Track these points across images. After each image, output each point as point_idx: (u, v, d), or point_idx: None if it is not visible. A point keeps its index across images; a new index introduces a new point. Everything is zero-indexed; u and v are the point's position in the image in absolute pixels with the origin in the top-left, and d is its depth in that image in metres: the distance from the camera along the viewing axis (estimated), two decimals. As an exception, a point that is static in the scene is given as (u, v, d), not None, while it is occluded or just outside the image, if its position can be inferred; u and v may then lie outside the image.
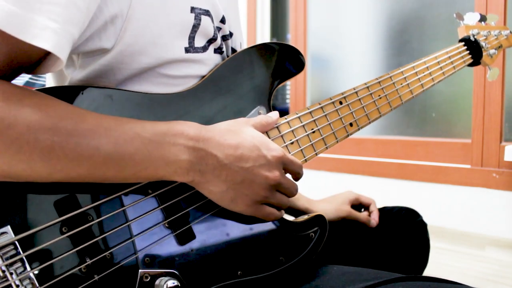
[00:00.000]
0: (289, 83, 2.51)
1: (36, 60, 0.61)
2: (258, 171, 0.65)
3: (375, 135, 2.16)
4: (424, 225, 1.12)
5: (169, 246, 0.65)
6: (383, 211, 1.12)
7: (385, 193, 1.98)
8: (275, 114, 0.75)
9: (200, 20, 0.72)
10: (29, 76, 1.33)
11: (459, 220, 1.75)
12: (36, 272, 0.57)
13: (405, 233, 1.08)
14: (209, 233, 0.68)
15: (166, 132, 0.60)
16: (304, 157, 0.76)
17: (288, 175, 0.72)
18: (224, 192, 0.64)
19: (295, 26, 2.42)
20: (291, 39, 2.44)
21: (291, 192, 0.70)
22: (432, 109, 1.96)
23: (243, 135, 0.66)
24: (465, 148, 1.81)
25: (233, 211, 0.67)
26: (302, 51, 2.35)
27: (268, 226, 0.72)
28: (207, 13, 0.73)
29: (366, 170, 2.05)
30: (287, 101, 2.55)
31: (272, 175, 0.66)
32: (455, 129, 1.93)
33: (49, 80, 0.79)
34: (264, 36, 2.58)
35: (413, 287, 0.64)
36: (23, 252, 0.56)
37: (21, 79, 1.28)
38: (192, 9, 0.71)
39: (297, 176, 0.73)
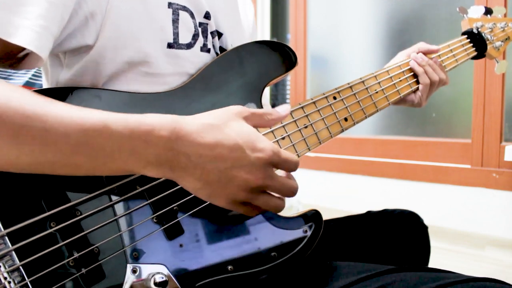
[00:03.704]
0: (289, 83, 2.51)
1: (15, 55, 0.63)
2: (236, 173, 0.59)
3: (375, 135, 2.15)
4: (424, 228, 1.11)
5: (158, 241, 0.65)
6: (384, 213, 1.11)
7: (385, 193, 1.97)
8: (284, 110, 0.67)
9: (178, 15, 0.73)
10: (29, 76, 1.33)
11: (459, 220, 1.74)
12: (24, 265, 0.57)
13: (405, 236, 1.07)
14: (198, 228, 0.68)
15: (138, 126, 0.57)
16: (296, 152, 0.76)
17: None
18: (200, 189, 0.60)
19: (295, 26, 2.42)
20: (291, 39, 2.44)
21: (284, 193, 0.64)
22: (432, 109, 1.96)
23: (226, 130, 0.60)
24: (465, 148, 1.80)
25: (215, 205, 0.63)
26: (302, 51, 2.37)
27: (261, 221, 0.71)
28: (184, 8, 0.74)
29: (366, 170, 2.05)
30: (287, 101, 2.55)
31: (253, 177, 0.59)
32: (455, 129, 1.92)
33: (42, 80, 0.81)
34: (264, 36, 2.59)
35: (403, 277, 0.64)
36: (12, 245, 0.56)
37: (21, 79, 1.29)
38: (170, 5, 0.72)
39: (291, 172, 0.67)
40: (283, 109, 0.67)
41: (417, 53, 1.01)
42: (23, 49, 0.61)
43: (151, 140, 0.56)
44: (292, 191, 0.63)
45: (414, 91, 1.00)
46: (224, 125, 0.60)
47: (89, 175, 0.59)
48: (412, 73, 0.98)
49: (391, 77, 0.93)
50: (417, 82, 0.99)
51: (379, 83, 0.89)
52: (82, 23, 0.66)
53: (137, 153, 0.57)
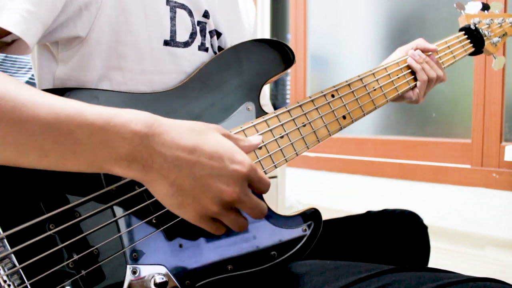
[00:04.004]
0: (289, 83, 2.51)
1: (1, 39, 0.62)
2: (212, 182, 0.56)
3: (375, 135, 2.15)
4: (424, 228, 1.11)
5: (157, 242, 0.64)
6: (384, 213, 1.11)
7: (385, 193, 1.97)
8: (256, 139, 0.67)
9: (175, 13, 0.72)
10: (29, 76, 1.33)
11: (459, 220, 1.74)
12: (24, 267, 0.56)
13: (405, 235, 1.07)
14: (197, 228, 0.67)
15: (113, 117, 0.54)
16: (295, 150, 0.75)
17: None
18: (171, 196, 0.56)
19: (295, 26, 2.42)
20: (291, 39, 2.44)
21: (255, 213, 0.61)
22: (432, 109, 1.96)
23: (206, 137, 0.58)
24: (465, 148, 1.80)
25: (182, 217, 0.60)
26: (302, 51, 2.37)
27: (260, 220, 0.71)
28: (182, 6, 0.73)
29: (366, 170, 2.05)
30: (287, 101, 2.55)
31: (229, 190, 0.57)
32: (455, 129, 1.92)
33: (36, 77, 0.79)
34: (264, 36, 2.59)
35: (403, 277, 0.63)
36: (12, 248, 0.56)
37: (21, 79, 1.29)
38: (168, 2, 0.72)
39: (262, 193, 0.65)
40: (254, 138, 0.66)
41: (415, 50, 1.01)
42: (10, 33, 0.59)
43: (125, 133, 0.53)
44: (262, 213, 0.61)
45: (412, 88, 1.00)
46: (204, 132, 0.59)
47: (55, 169, 0.56)
48: (409, 70, 0.98)
49: (389, 74, 0.93)
50: (415, 79, 0.99)
51: (377, 80, 0.89)
52: (75, 13, 0.65)
53: (108, 145, 0.53)
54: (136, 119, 0.54)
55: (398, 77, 0.94)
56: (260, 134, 0.72)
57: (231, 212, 0.59)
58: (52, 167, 0.55)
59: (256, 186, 0.61)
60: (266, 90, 1.03)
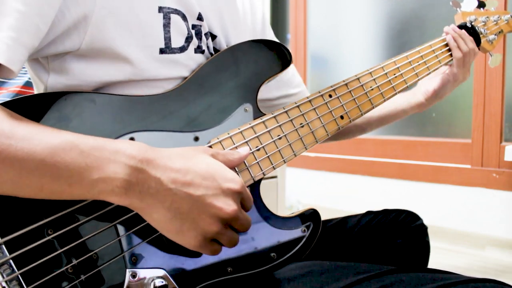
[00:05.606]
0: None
1: None
2: (210, 202, 0.57)
3: (375, 135, 2.15)
4: (424, 228, 1.11)
5: (157, 245, 0.64)
6: (384, 213, 1.11)
7: (385, 193, 1.97)
8: (244, 150, 0.69)
9: (169, 19, 0.71)
10: (29, 76, 1.33)
11: (459, 220, 1.74)
12: (23, 273, 0.56)
13: (405, 236, 1.07)
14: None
15: (105, 146, 0.56)
16: (293, 151, 0.75)
17: None
18: (169, 222, 0.57)
19: (295, 26, 2.42)
20: (291, 39, 2.44)
21: (245, 228, 0.62)
22: (432, 109, 1.96)
23: (195, 160, 0.60)
24: (465, 148, 1.80)
25: (181, 244, 0.60)
26: (302, 51, 2.37)
27: (259, 221, 0.71)
28: (176, 11, 0.72)
29: (366, 170, 2.05)
30: (287, 101, 2.55)
31: (228, 207, 0.58)
32: (455, 129, 1.92)
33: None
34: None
35: (403, 278, 0.64)
36: (10, 254, 0.56)
37: (21, 79, 1.28)
38: (160, 9, 0.70)
39: (247, 210, 0.66)
40: (243, 150, 0.69)
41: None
42: None
43: (120, 159, 0.55)
44: (250, 225, 0.63)
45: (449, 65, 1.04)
46: (193, 156, 0.60)
47: (52, 199, 0.57)
48: (406, 69, 0.97)
49: (386, 74, 0.92)
50: (413, 77, 0.98)
51: (374, 79, 0.89)
52: (64, 33, 0.64)
53: (105, 174, 0.55)
54: (129, 146, 0.56)
55: (395, 76, 0.94)
56: (258, 135, 0.72)
57: (228, 230, 0.61)
58: (49, 198, 0.56)
59: (245, 203, 0.63)
60: (293, 78, 1.03)
